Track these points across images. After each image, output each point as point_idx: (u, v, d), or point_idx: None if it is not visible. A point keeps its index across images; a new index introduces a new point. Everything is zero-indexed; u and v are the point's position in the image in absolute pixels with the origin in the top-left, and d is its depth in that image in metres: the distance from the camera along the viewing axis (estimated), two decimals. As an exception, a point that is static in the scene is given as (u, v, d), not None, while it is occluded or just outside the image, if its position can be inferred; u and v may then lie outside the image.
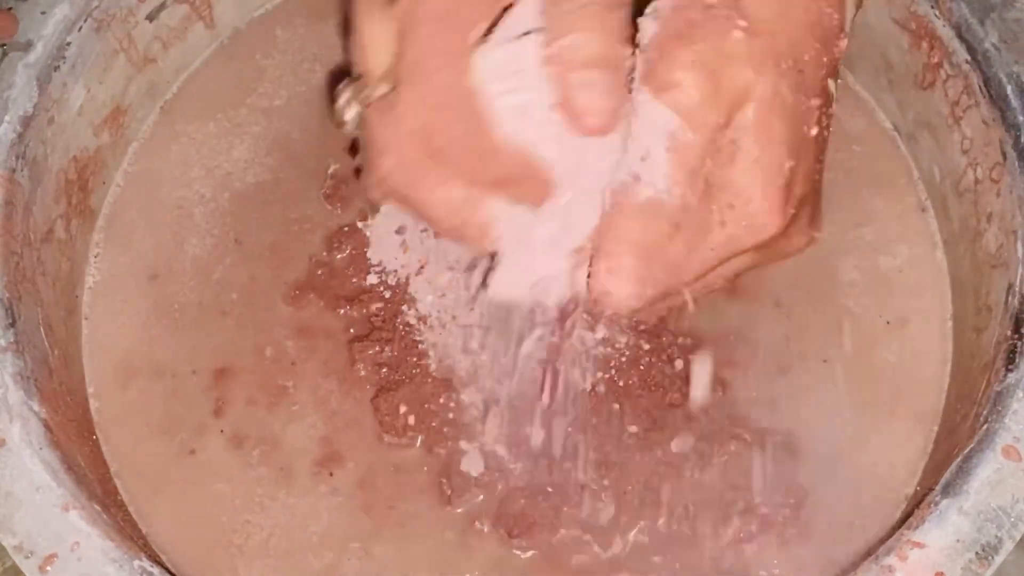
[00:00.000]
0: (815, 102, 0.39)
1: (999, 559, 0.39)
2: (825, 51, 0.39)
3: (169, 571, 0.42)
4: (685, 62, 0.38)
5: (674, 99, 0.38)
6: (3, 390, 0.42)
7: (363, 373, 0.50)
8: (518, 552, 0.46)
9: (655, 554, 0.46)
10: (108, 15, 0.52)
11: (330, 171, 0.56)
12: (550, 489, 0.47)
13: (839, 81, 0.41)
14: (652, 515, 0.46)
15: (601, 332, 0.46)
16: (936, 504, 0.40)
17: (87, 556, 0.39)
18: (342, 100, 0.44)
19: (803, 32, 0.39)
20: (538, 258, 0.43)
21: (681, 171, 0.38)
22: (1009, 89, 0.48)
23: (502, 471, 0.47)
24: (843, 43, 0.40)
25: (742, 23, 0.38)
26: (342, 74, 0.48)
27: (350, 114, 0.44)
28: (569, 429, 0.48)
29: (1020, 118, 0.47)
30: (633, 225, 0.39)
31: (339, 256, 0.53)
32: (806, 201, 0.41)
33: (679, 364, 0.48)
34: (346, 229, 0.53)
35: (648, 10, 0.40)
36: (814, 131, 0.39)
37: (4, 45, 0.50)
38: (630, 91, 0.39)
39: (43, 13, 0.50)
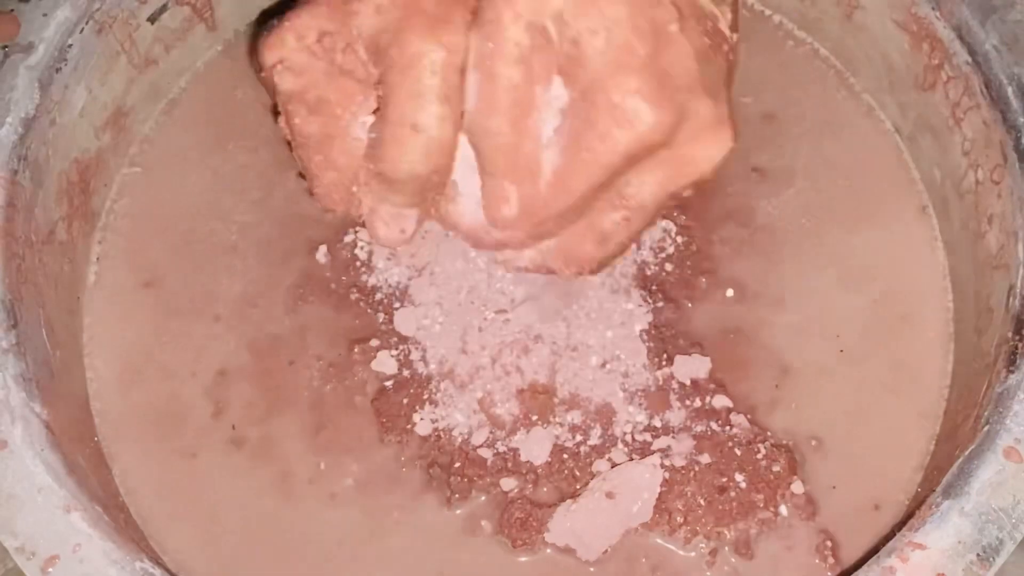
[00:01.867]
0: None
1: (1000, 560, 0.39)
2: None
3: (170, 573, 0.42)
4: None
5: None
6: (5, 392, 0.42)
7: (363, 374, 0.50)
8: (519, 555, 0.46)
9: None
10: (110, 17, 0.52)
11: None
12: (547, 492, 0.47)
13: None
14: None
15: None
16: (937, 505, 0.40)
17: (89, 558, 0.39)
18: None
19: None
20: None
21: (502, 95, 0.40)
22: (1010, 91, 0.48)
23: (503, 472, 0.48)
24: None
25: None
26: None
27: None
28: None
29: (1021, 119, 0.47)
30: (497, 154, 0.42)
31: (338, 257, 0.53)
32: (696, 101, 0.40)
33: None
34: (345, 230, 0.53)
35: None
36: (673, 28, 0.39)
37: (6, 47, 0.50)
38: None
39: (45, 15, 0.50)
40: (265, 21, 0.60)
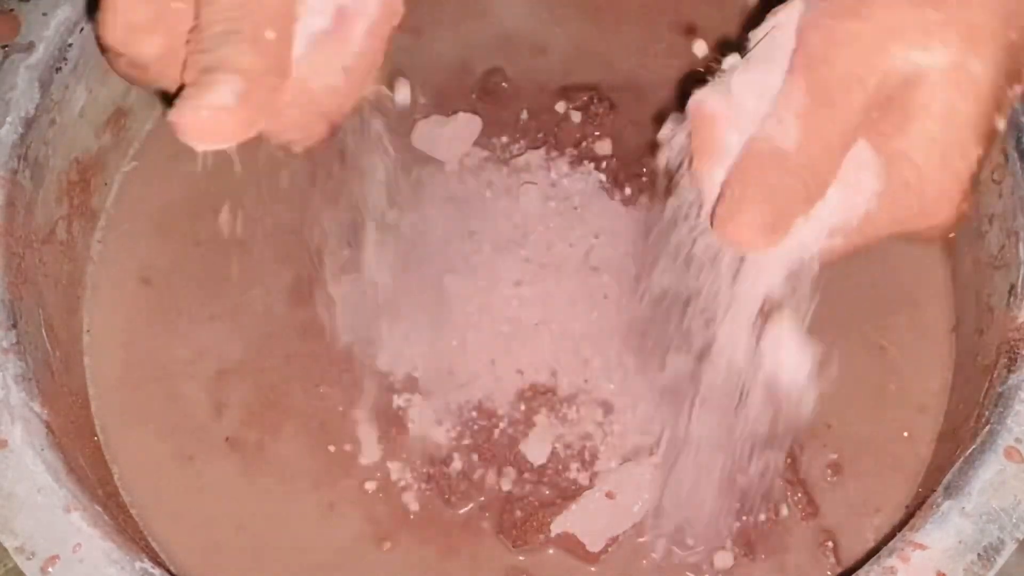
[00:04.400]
0: (1017, 90, 0.34)
1: (1001, 560, 0.39)
2: None
3: (170, 573, 0.42)
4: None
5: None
6: (5, 392, 0.42)
7: (363, 375, 0.50)
8: (519, 556, 0.46)
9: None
10: (110, 16, 0.52)
11: (331, 172, 0.56)
12: (547, 492, 0.47)
13: None
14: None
15: None
16: (938, 505, 0.40)
17: (89, 557, 0.39)
18: None
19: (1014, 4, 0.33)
20: None
21: (813, 137, 0.33)
22: (1011, 90, 0.48)
23: (503, 472, 0.48)
24: None
25: None
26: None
27: None
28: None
29: (1021, 119, 0.47)
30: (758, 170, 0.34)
31: (332, 257, 0.53)
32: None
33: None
34: (346, 230, 0.53)
35: None
36: (1002, 123, 0.34)
37: (6, 46, 0.50)
38: None
39: (44, 15, 0.50)
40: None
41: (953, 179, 0.34)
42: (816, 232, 0.35)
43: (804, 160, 0.33)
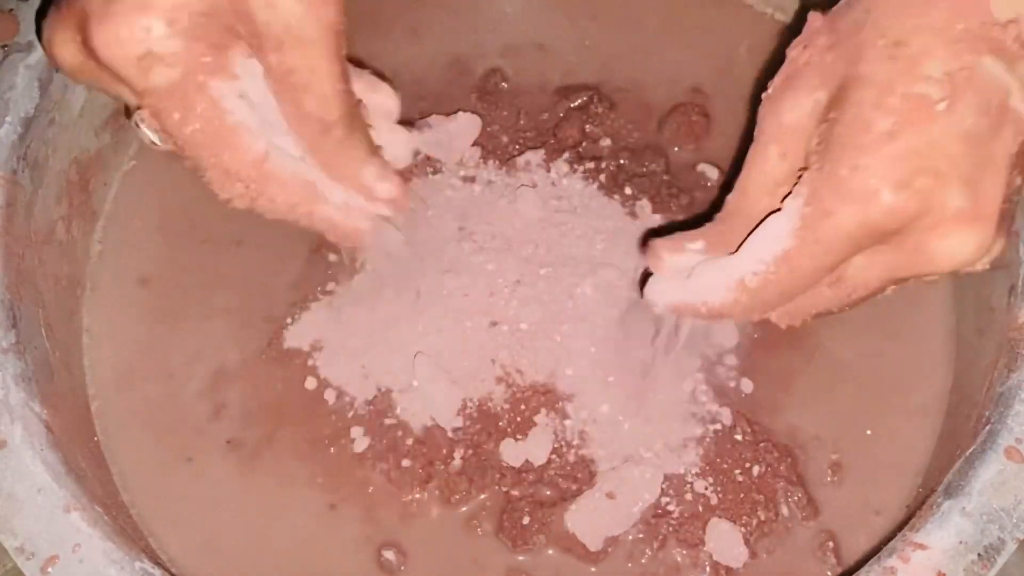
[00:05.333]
0: (932, 69, 0.35)
1: (1001, 560, 0.39)
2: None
3: (170, 573, 0.42)
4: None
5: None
6: (4, 391, 0.42)
7: (364, 375, 0.50)
8: (519, 556, 0.46)
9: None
10: (109, 16, 0.52)
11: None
12: (547, 492, 0.47)
13: None
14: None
15: None
16: (938, 505, 0.40)
17: (88, 558, 0.39)
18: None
19: None
20: None
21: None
22: (1011, 90, 0.47)
23: (503, 472, 0.48)
24: (1008, 31, 0.35)
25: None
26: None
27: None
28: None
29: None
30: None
31: (336, 257, 0.53)
32: (944, 189, 0.35)
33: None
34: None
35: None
36: (940, 105, 0.34)
37: (5, 46, 0.50)
38: None
39: (44, 14, 0.50)
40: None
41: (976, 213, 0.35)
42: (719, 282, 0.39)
43: (734, 211, 0.39)
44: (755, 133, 0.39)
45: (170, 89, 0.37)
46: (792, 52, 0.38)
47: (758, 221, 0.38)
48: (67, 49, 0.38)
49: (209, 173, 0.40)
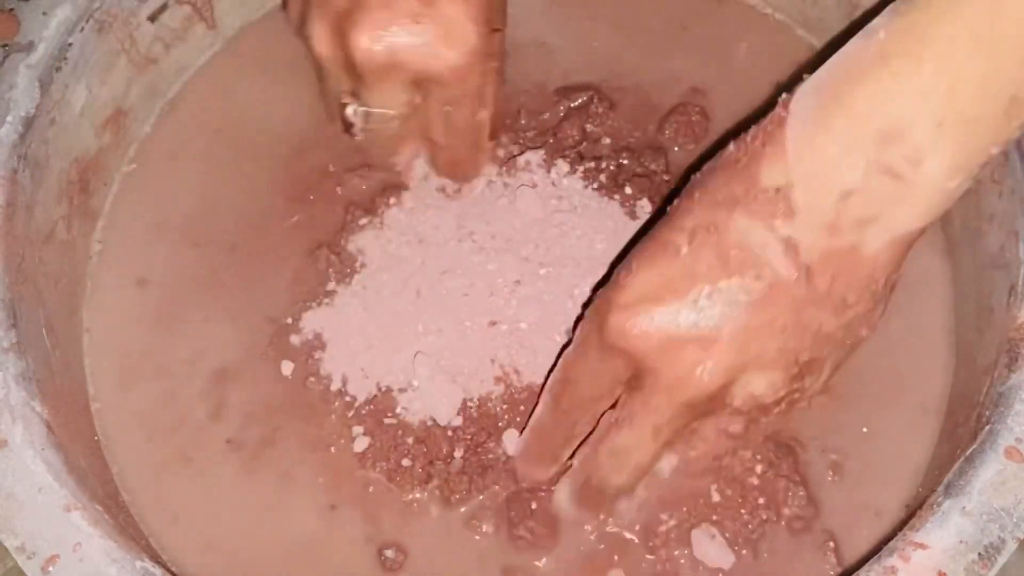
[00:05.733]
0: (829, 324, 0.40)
1: (1002, 560, 0.38)
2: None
3: (170, 572, 0.42)
4: None
5: None
6: (5, 391, 0.42)
7: (363, 375, 0.50)
8: (519, 555, 0.46)
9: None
10: (110, 16, 0.52)
11: (329, 172, 0.56)
12: (542, 497, 0.47)
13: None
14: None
15: None
16: (939, 505, 0.40)
17: (89, 557, 0.39)
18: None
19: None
20: None
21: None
22: (1011, 90, 0.48)
23: (503, 472, 0.48)
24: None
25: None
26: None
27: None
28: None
29: (1021, 119, 0.47)
30: None
31: (336, 257, 0.53)
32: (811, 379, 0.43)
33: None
34: (346, 231, 0.53)
35: None
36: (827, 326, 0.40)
37: (6, 46, 0.50)
38: None
39: (45, 14, 0.50)
40: (266, 22, 0.60)
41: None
42: None
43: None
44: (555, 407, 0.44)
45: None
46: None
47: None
48: (324, 44, 0.48)
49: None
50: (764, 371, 0.40)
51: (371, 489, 0.48)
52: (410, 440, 0.48)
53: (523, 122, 0.57)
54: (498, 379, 0.49)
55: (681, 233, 0.39)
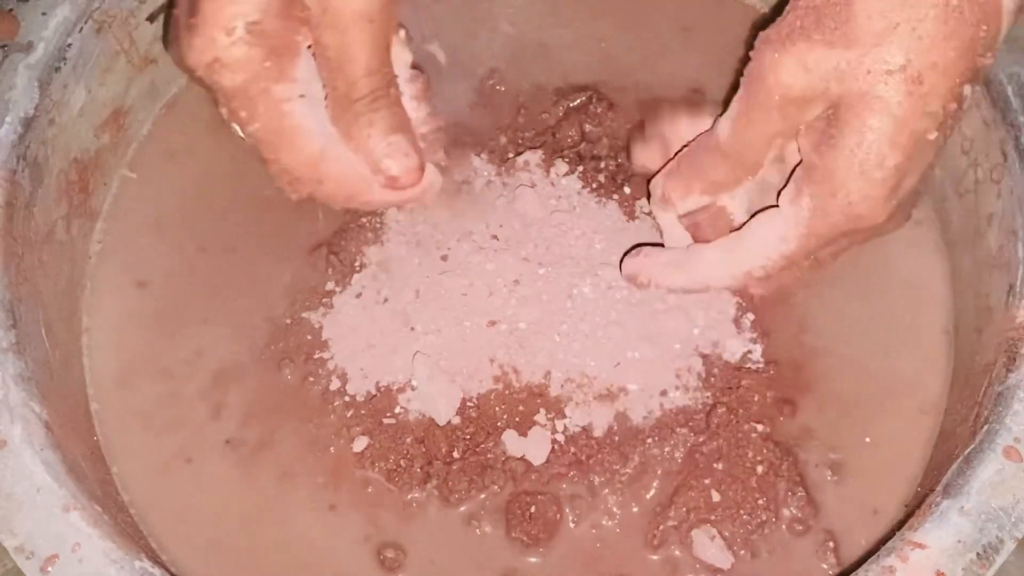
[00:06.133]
0: (934, 107, 0.39)
1: (1000, 559, 0.39)
2: (963, 60, 0.39)
3: (170, 572, 0.42)
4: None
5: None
6: (4, 391, 0.42)
7: (363, 376, 0.50)
8: (519, 555, 0.46)
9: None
10: (109, 16, 0.52)
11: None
12: (541, 498, 0.47)
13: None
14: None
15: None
16: (937, 505, 0.40)
17: (88, 557, 0.39)
18: None
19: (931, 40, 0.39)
20: None
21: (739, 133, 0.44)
22: (1010, 90, 0.48)
23: (503, 472, 0.48)
24: (988, 59, 0.40)
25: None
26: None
27: None
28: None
29: (1020, 118, 0.47)
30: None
31: (335, 257, 0.53)
32: (914, 194, 0.42)
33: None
34: (345, 232, 0.53)
35: None
36: (933, 135, 0.40)
37: (5, 46, 0.50)
38: None
39: (44, 14, 0.50)
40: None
41: (873, 186, 0.40)
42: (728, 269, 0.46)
43: (730, 149, 0.45)
44: (752, 76, 0.43)
45: (234, 91, 0.43)
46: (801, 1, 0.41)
47: (752, 167, 0.45)
48: (174, 57, 0.45)
49: (271, 168, 0.45)
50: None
51: (370, 489, 0.48)
52: (409, 440, 0.48)
53: (522, 122, 0.57)
54: (497, 379, 0.49)
55: None
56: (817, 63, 0.40)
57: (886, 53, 0.39)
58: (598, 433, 0.48)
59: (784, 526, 0.47)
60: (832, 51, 0.40)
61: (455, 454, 0.48)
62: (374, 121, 0.45)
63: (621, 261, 0.50)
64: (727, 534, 0.46)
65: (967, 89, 0.40)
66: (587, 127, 0.56)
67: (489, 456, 0.48)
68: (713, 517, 0.46)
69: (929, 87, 0.39)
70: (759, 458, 0.47)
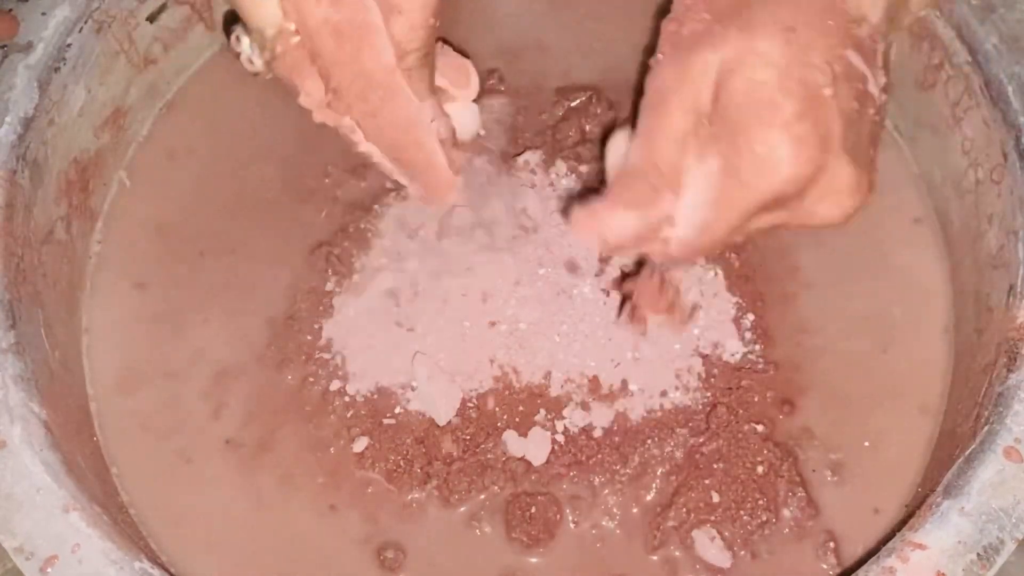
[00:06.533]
0: (816, 59, 0.39)
1: (1000, 560, 0.39)
2: (834, 24, 0.40)
3: (169, 573, 0.42)
4: None
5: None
6: (4, 391, 0.42)
7: (363, 376, 0.50)
8: (519, 555, 0.46)
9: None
10: (109, 16, 0.52)
11: (328, 173, 0.56)
12: (541, 498, 0.47)
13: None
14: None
15: None
16: (937, 505, 0.40)
17: (88, 557, 0.39)
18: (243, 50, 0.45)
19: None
20: None
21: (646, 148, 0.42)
22: (1010, 90, 0.48)
23: (503, 472, 0.48)
24: (863, 30, 0.41)
25: None
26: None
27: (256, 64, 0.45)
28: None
29: (1021, 118, 0.47)
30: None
31: (335, 257, 0.53)
32: (836, 162, 0.40)
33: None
34: (344, 231, 0.53)
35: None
36: (828, 91, 0.39)
37: (5, 46, 0.50)
38: None
39: (44, 14, 0.50)
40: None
41: (778, 136, 0.39)
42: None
43: (643, 165, 0.42)
44: (650, 93, 0.42)
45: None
46: (670, 26, 0.43)
47: (667, 172, 0.42)
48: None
49: (335, 79, 0.43)
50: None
51: (370, 489, 0.48)
52: (409, 440, 0.48)
53: (522, 122, 0.57)
54: (497, 379, 0.49)
55: None
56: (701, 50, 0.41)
57: (757, 16, 0.40)
58: (598, 433, 0.48)
59: (784, 526, 0.47)
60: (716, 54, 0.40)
61: (455, 454, 0.48)
62: (420, 79, 0.44)
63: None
64: (727, 534, 0.46)
65: (853, 56, 0.40)
66: (587, 127, 0.56)
67: (489, 456, 0.48)
68: (713, 517, 0.46)
69: (806, 39, 0.39)
70: (759, 458, 0.47)
